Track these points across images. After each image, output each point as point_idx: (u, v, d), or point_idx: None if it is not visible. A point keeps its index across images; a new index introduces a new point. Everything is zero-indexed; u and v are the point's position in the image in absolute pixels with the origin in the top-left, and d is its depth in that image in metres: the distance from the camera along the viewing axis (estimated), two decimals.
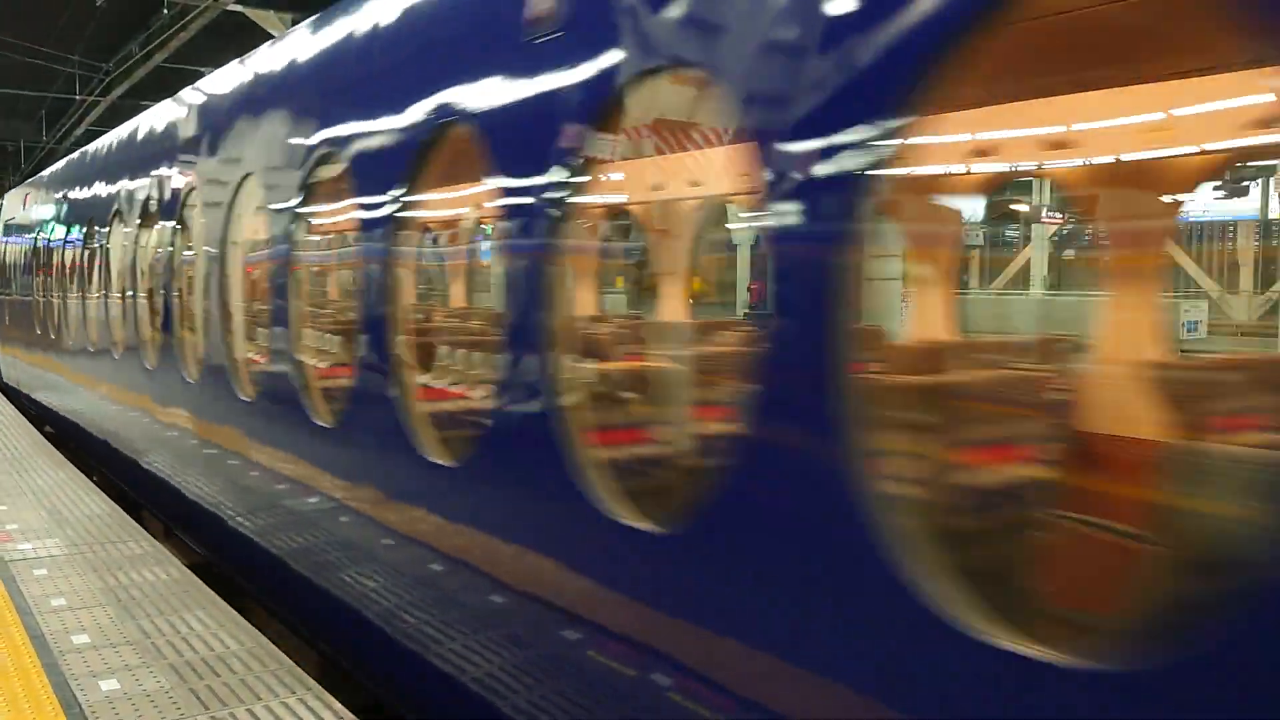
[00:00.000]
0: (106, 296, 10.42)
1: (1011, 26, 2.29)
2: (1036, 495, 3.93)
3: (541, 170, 3.51)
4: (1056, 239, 33.68)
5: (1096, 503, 3.75)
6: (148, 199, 9.07)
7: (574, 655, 3.45)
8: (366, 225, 4.67)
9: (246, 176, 6.59)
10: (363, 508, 4.98)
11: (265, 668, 4.61)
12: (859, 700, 2.39)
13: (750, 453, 2.72)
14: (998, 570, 2.41)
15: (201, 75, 10.18)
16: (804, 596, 2.53)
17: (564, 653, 3.51)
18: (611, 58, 3.26)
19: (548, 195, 3.47)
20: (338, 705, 4.23)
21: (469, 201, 4.10)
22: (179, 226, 8.16)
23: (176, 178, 8.29)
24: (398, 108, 4.45)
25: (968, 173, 4.80)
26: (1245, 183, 26.96)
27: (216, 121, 7.44)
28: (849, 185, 2.39)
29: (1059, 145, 4.50)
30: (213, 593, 5.81)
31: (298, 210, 5.63)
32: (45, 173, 16.04)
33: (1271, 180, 28.13)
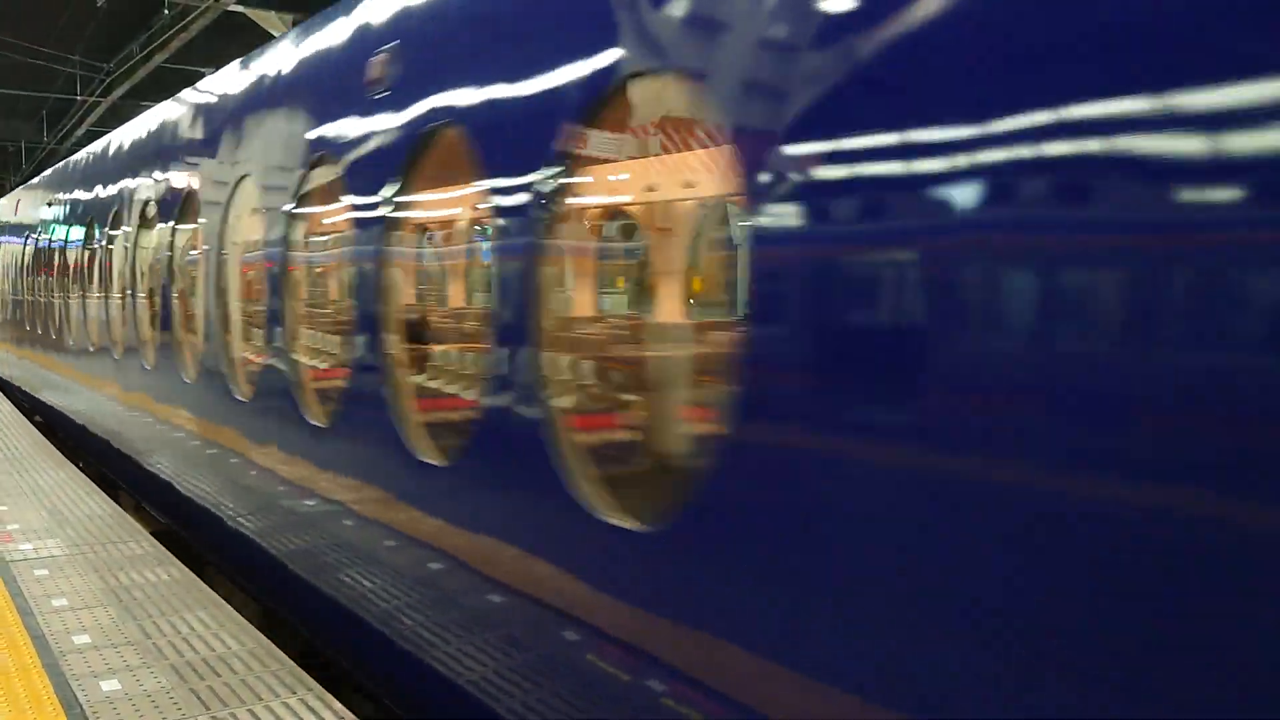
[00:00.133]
0: (85, 295, 11.68)
1: (615, 113, 3.48)
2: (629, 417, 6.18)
3: (377, 190, 4.69)
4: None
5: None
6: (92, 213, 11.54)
7: None
8: (266, 240, 6.16)
9: (147, 203, 9.12)
10: (267, 464, 6.17)
11: (266, 668, 4.61)
12: (529, 557, 3.64)
13: (488, 410, 3.85)
14: (612, 481, 3.42)
15: (202, 75, 10.25)
16: (524, 504, 3.69)
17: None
18: (415, 111, 4.42)
19: (381, 212, 4.67)
20: (338, 705, 4.23)
21: (333, 215, 5.61)
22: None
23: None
24: (292, 145, 5.81)
25: (594, 206, 7.35)
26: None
27: (115, 169, 10.56)
28: (527, 213, 3.59)
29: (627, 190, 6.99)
30: (214, 593, 5.82)
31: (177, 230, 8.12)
32: (34, 179, 17.79)
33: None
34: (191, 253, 8.05)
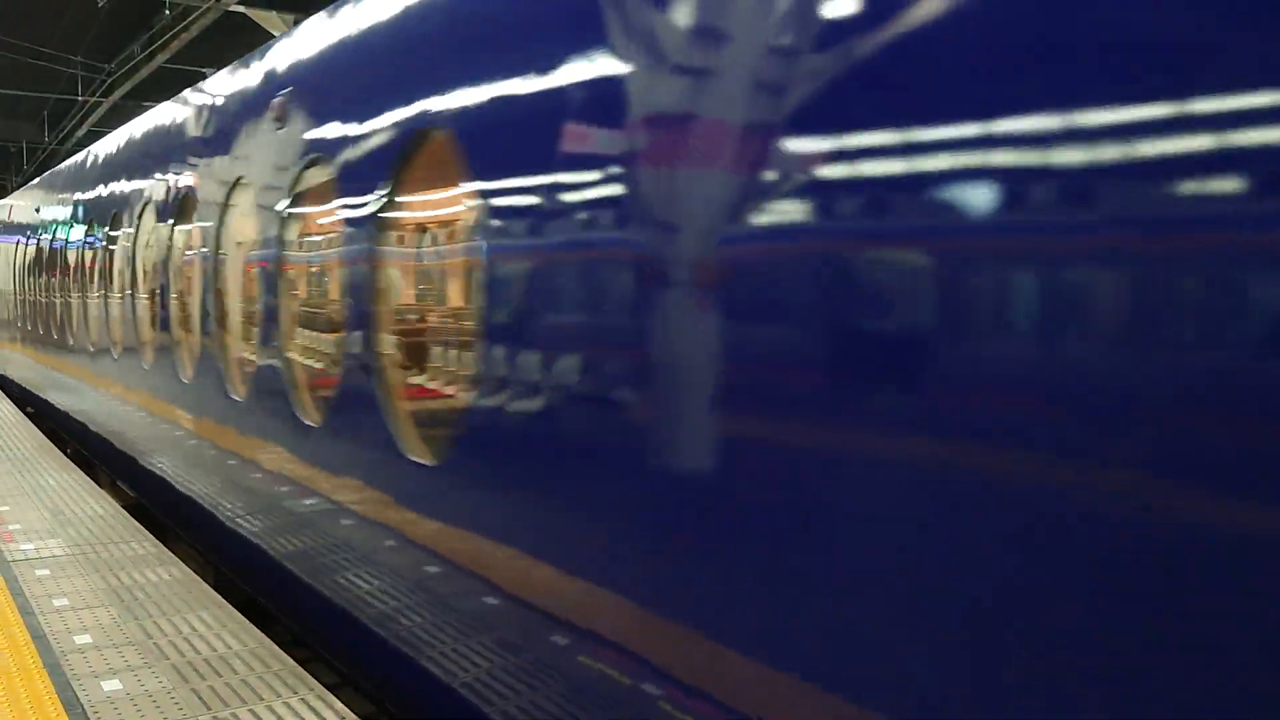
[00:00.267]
0: (68, 294, 12.68)
1: (429, 148, 4.45)
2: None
3: (277, 208, 5.87)
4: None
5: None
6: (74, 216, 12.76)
7: None
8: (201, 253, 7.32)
9: (109, 213, 10.41)
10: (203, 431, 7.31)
11: (268, 668, 4.62)
12: (367, 488, 4.76)
13: (343, 385, 4.99)
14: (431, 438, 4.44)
15: (204, 76, 10.32)
16: (373, 453, 4.66)
17: None
18: (302, 144, 5.57)
19: (276, 231, 5.86)
20: (339, 705, 4.23)
21: (249, 228, 6.85)
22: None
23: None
24: (221, 171, 7.12)
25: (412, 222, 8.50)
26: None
27: (75, 184, 12.28)
28: (368, 225, 4.71)
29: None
30: (216, 594, 5.82)
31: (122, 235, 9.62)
32: (26, 185, 19.02)
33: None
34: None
